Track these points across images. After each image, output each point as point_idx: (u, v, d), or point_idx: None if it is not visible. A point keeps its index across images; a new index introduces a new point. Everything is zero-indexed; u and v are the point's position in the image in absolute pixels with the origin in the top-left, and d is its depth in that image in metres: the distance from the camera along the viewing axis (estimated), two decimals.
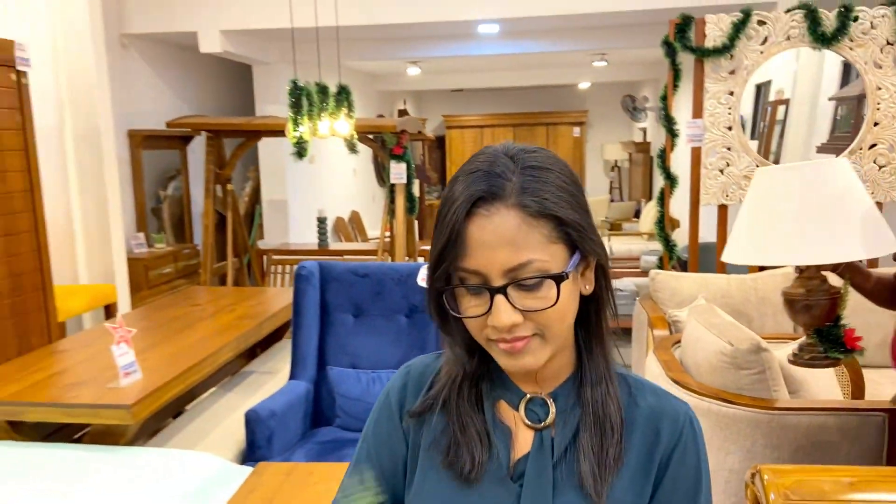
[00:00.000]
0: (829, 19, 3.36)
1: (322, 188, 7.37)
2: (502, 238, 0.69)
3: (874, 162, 3.47)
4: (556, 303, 0.70)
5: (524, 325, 0.72)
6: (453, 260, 0.71)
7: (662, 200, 3.70)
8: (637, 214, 9.56)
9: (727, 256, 1.77)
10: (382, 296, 2.75)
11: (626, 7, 4.54)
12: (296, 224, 6.58)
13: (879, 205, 3.49)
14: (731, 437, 2.07)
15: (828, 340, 1.74)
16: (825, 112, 4.25)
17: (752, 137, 4.85)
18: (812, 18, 3.35)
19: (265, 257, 5.51)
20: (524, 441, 0.79)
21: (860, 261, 1.78)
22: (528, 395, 0.80)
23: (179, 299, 3.74)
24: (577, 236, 0.72)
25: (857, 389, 2.60)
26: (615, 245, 7.17)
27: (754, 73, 3.50)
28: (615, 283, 4.89)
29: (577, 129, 11.46)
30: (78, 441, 2.45)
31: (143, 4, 4.95)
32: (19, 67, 3.31)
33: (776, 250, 1.69)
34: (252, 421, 2.37)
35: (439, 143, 11.80)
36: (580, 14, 4.67)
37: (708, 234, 3.86)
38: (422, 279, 2.70)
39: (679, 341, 2.64)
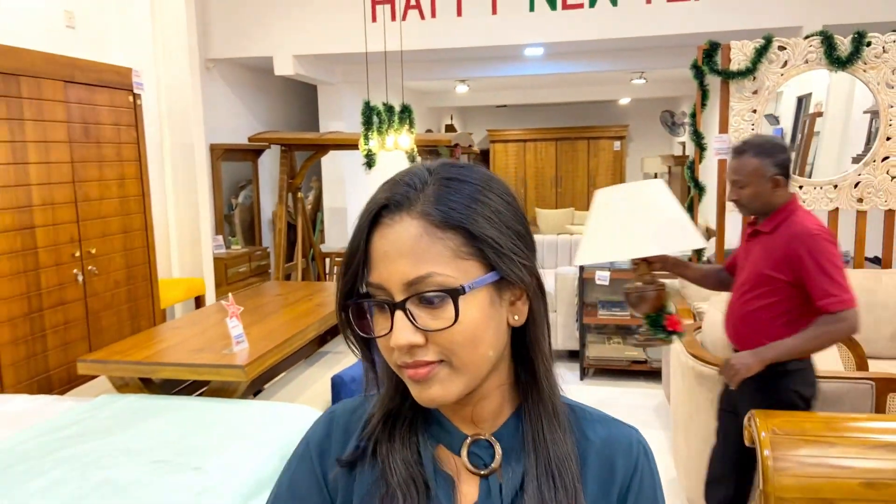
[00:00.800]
0: (843, 44, 3.73)
1: None
2: (402, 249, 0.63)
3: (887, 173, 3.80)
4: (455, 322, 0.62)
5: (427, 348, 0.64)
6: (359, 274, 0.65)
7: (691, 207, 4.08)
8: None
9: (579, 259, 2.14)
10: None
11: (661, 32, 4.95)
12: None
13: (892, 212, 3.82)
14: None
15: (655, 325, 2.15)
16: (860, 124, 4.51)
17: (792, 150, 5.11)
18: (828, 44, 3.72)
19: (327, 259, 6.04)
20: (469, 491, 0.69)
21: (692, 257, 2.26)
22: (470, 438, 0.70)
23: (261, 291, 4.28)
24: (494, 255, 0.64)
25: (860, 368, 2.95)
26: None
27: (779, 89, 3.88)
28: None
29: (617, 144, 11.79)
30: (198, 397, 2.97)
31: (226, 32, 5.56)
32: (135, 91, 3.90)
33: (606, 251, 2.11)
34: (337, 384, 2.85)
35: (483, 156, 12.27)
36: (619, 38, 5.10)
37: (735, 240, 4.22)
38: None
39: (700, 327, 3.03)
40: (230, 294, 2.92)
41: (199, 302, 4.65)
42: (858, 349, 3.03)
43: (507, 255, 0.65)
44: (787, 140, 4.95)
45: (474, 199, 0.65)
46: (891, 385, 2.37)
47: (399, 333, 0.63)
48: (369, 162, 3.92)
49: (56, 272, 3.28)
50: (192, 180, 4.75)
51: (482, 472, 0.69)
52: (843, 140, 4.77)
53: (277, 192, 5.96)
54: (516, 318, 0.68)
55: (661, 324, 2.14)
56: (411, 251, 0.62)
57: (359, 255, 0.64)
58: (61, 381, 3.26)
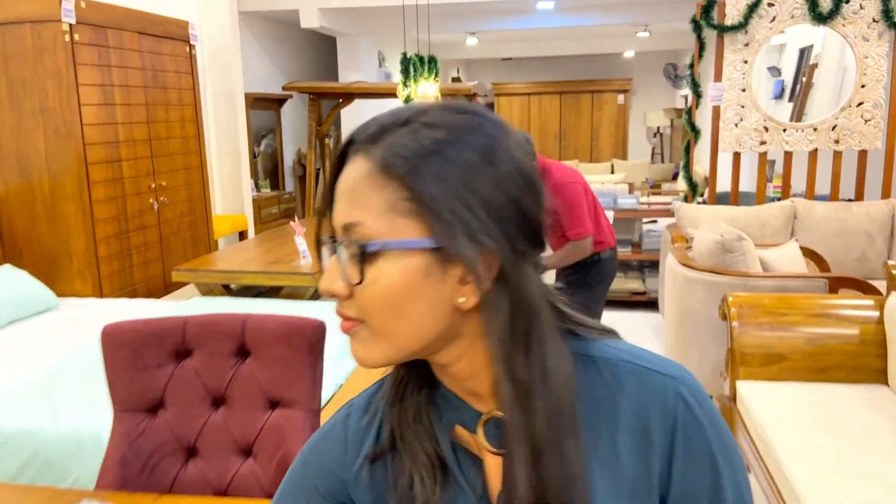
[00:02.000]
0: (825, 1, 4.32)
1: None
2: (344, 189, 0.60)
3: (861, 117, 4.43)
4: (360, 282, 0.58)
5: (348, 303, 0.60)
6: (327, 210, 0.63)
7: (688, 149, 4.72)
8: (675, 176, 10.48)
9: None
10: None
11: None
12: None
13: (864, 152, 4.46)
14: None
15: None
16: (851, 75, 4.97)
17: (790, 100, 5.67)
18: (812, 1, 4.31)
19: None
20: (497, 470, 0.64)
21: None
22: (484, 415, 0.65)
23: (302, 224, 4.92)
24: (433, 218, 0.57)
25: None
26: (653, 199, 8.16)
27: (780, 42, 4.48)
28: (651, 227, 5.88)
29: (621, 97, 12.32)
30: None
31: None
32: (191, 42, 4.48)
33: None
34: None
35: (488, 109, 12.79)
36: None
37: (727, 182, 4.85)
38: None
39: (691, 247, 3.69)
40: (296, 217, 3.57)
41: (241, 236, 5.30)
42: (823, 263, 3.72)
43: (449, 221, 0.57)
44: (787, 91, 5.51)
45: (432, 151, 0.57)
46: (841, 282, 3.04)
47: (323, 278, 0.61)
48: None
49: (137, 200, 3.92)
50: (232, 126, 5.35)
51: (502, 452, 0.62)
52: (835, 90, 5.36)
53: (297, 141, 6.56)
54: (462, 300, 0.59)
55: None
56: (350, 193, 0.59)
57: (326, 191, 0.63)
58: (144, 293, 3.93)
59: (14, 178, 3.52)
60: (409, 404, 0.67)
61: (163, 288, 4.09)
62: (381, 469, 0.69)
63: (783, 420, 2.21)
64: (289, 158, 7.47)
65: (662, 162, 12.22)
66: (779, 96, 5.54)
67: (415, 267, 0.58)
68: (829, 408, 2.28)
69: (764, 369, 2.53)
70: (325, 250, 0.62)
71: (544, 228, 0.62)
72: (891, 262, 2.55)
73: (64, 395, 2.21)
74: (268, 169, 7.36)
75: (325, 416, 2.06)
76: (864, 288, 2.96)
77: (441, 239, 0.57)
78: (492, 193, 0.58)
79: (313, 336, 1.54)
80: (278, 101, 6.97)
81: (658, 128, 12.46)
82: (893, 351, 2.41)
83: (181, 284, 3.96)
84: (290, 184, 7.36)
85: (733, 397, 2.55)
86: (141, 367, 1.54)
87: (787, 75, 5.48)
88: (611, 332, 0.68)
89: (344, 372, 2.40)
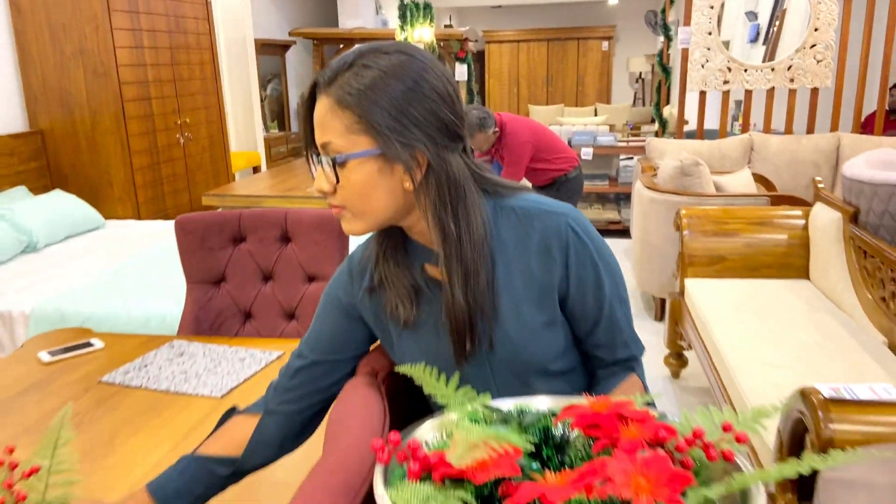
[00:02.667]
0: None
1: None
2: (318, 118, 0.82)
3: (814, 58, 4.72)
4: (337, 182, 0.81)
5: (334, 196, 0.84)
6: (308, 132, 0.86)
7: (659, 89, 5.00)
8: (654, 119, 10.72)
9: None
10: None
11: None
12: None
13: (815, 90, 4.76)
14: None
15: None
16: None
17: (764, 43, 5.91)
18: None
19: None
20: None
21: None
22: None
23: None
24: (375, 134, 0.79)
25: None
26: (632, 140, 8.45)
27: None
28: (627, 163, 6.18)
29: (605, 44, 12.44)
30: None
31: None
32: None
33: None
34: None
35: (479, 56, 12.90)
36: None
37: (694, 118, 5.15)
38: None
39: (657, 174, 4.03)
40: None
41: (255, 171, 5.60)
42: (771, 186, 4.07)
43: (387, 135, 0.79)
44: (762, 34, 5.76)
45: (370, 87, 0.79)
46: (780, 199, 3.40)
47: (316, 181, 0.85)
48: None
49: (165, 135, 4.21)
50: (244, 70, 5.58)
51: (447, 276, 0.87)
52: (800, 34, 5.60)
53: (301, 85, 6.77)
54: (407, 185, 0.83)
55: None
56: (321, 122, 0.81)
57: (304, 123, 0.86)
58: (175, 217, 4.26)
59: (58, 114, 3.80)
60: (389, 255, 0.93)
61: (189, 210, 4.41)
62: (376, 297, 0.95)
63: (720, 307, 2.60)
64: (293, 102, 7.69)
65: (644, 105, 12.43)
66: (754, 39, 5.79)
67: (370, 168, 0.81)
68: (758, 296, 2.66)
69: (708, 268, 2.91)
70: (314, 162, 0.86)
71: (461, 129, 0.86)
72: (817, 178, 2.90)
73: (129, 288, 2.57)
74: (275, 111, 7.59)
75: None
76: (799, 203, 3.31)
77: (383, 148, 0.80)
78: (417, 111, 0.80)
79: (339, 225, 1.89)
80: (283, 48, 7.15)
81: (640, 73, 12.62)
82: (815, 251, 2.79)
83: (208, 209, 4.30)
84: (295, 125, 7.60)
85: (682, 292, 2.93)
86: (206, 248, 1.89)
87: (763, 20, 5.72)
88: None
89: None
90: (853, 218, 2.50)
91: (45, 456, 0.93)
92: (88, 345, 1.66)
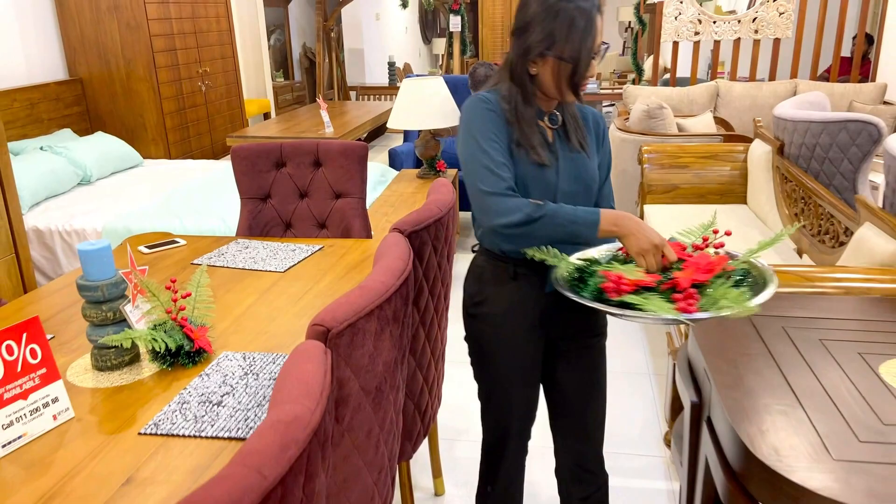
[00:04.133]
0: None
1: (385, 41, 9.04)
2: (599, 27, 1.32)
3: (776, 10, 5.13)
4: None
5: None
6: (592, 38, 1.30)
7: (636, 39, 5.42)
8: None
9: (391, 123, 3.59)
10: (457, 94, 4.63)
11: None
12: (369, 68, 8.35)
13: (777, 40, 5.19)
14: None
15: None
16: None
17: None
18: None
19: (353, 92, 7.34)
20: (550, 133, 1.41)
21: None
22: (546, 112, 1.40)
23: (317, 105, 5.65)
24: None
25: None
26: (617, 87, 8.84)
27: None
28: (609, 109, 6.65)
29: None
30: None
31: None
32: None
33: (416, 121, 3.53)
34: (392, 154, 4.34)
35: (472, 6, 13.10)
36: None
37: (681, 71, 5.58)
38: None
39: (628, 118, 4.50)
40: (320, 96, 4.32)
41: (265, 117, 6.02)
42: (729, 127, 4.55)
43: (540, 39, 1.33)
44: None
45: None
46: (732, 138, 3.89)
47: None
48: (404, 3, 5.18)
49: (189, 83, 4.64)
50: (253, 21, 5.95)
51: (554, 127, 1.41)
52: None
53: (303, 36, 7.12)
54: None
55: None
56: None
57: (593, 30, 1.30)
58: (199, 157, 4.72)
59: (96, 63, 4.23)
60: (522, 108, 1.36)
61: (211, 153, 4.88)
62: (513, 130, 1.36)
63: (670, 227, 3.12)
64: (296, 52, 8.04)
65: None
66: None
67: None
68: (702, 217, 3.18)
69: (663, 196, 3.43)
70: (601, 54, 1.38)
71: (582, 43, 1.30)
72: (757, 118, 3.39)
73: (179, 210, 3.07)
74: (278, 61, 7.95)
75: (370, 210, 2.98)
76: (744, 141, 3.81)
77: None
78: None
79: (361, 152, 2.38)
80: (285, 0, 7.47)
81: (629, 23, 12.86)
82: (751, 180, 3.30)
83: (227, 150, 4.76)
84: (297, 74, 7.97)
85: (642, 216, 3.45)
86: (256, 171, 2.38)
87: None
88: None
89: (375, 196, 3.27)
90: (780, 150, 3.01)
91: (192, 288, 1.46)
92: (174, 242, 2.17)
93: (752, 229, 2.99)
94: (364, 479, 1.16)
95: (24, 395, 1.15)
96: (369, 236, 2.39)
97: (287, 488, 0.69)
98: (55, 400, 1.19)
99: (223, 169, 3.90)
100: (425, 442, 2.36)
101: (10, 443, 1.12)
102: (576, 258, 1.36)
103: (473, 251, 3.87)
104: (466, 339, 1.54)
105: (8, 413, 1.12)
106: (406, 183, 3.63)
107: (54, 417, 1.19)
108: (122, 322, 1.36)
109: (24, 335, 1.16)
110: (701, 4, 5.16)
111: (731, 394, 1.20)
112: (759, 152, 3.18)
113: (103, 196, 3.43)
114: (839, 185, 2.58)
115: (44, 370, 1.18)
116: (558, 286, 1.28)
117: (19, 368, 1.15)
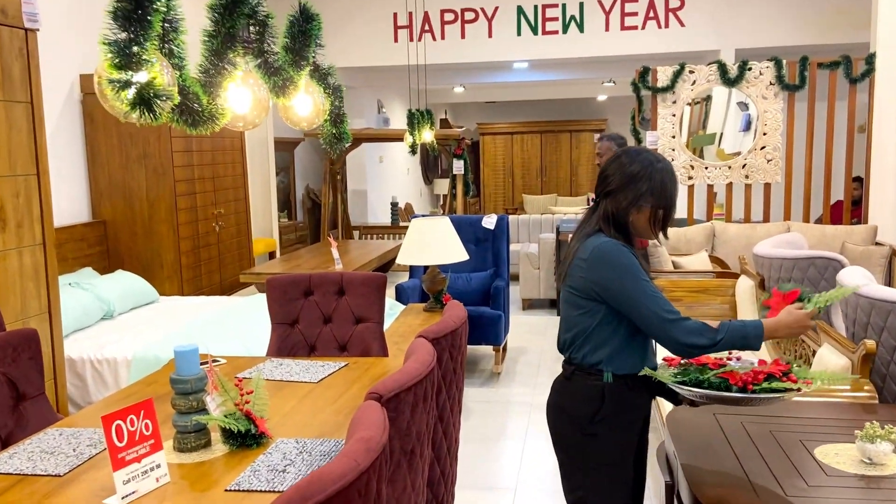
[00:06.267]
0: (732, 69, 5.89)
1: (387, 182, 10.02)
2: None
3: (764, 157, 5.98)
4: None
5: None
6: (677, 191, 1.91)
7: None
8: None
9: (401, 259, 4.31)
10: (461, 232, 5.34)
11: (616, 52, 7.11)
12: (371, 208, 9.23)
13: (768, 185, 5.99)
14: None
15: None
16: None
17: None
18: (722, 70, 5.89)
19: (356, 231, 8.13)
20: None
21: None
22: None
23: (322, 245, 6.35)
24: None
25: None
26: None
27: (689, 101, 6.05)
28: None
29: (597, 136, 13.98)
30: None
31: None
32: None
33: (422, 257, 4.25)
34: (399, 290, 4.96)
35: (474, 147, 14.40)
36: (586, 56, 7.25)
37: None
38: (487, 223, 5.25)
39: None
40: (331, 233, 5.02)
41: (271, 255, 6.72)
42: (724, 265, 5.19)
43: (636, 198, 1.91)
44: (754, 123, 7.09)
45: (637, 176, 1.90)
46: (724, 275, 4.50)
47: None
48: (413, 149, 6.06)
49: (205, 224, 5.35)
50: (264, 165, 6.82)
51: None
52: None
53: (306, 178, 8.02)
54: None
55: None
56: None
57: (678, 186, 1.94)
58: (209, 293, 5.33)
59: (120, 206, 4.95)
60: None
61: (220, 290, 5.50)
62: None
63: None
64: (300, 192, 8.93)
65: None
66: (746, 129, 7.09)
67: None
68: None
69: None
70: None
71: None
72: (742, 256, 4.03)
73: (202, 339, 3.61)
74: (281, 202, 8.82)
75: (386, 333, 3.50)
76: (734, 277, 4.43)
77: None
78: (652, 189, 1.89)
79: (380, 281, 2.98)
80: (293, 144, 8.47)
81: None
82: (740, 313, 3.88)
83: (240, 286, 5.38)
84: (300, 215, 8.81)
85: None
86: (286, 299, 2.96)
87: (753, 110, 7.05)
88: None
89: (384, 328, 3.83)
90: (761, 284, 3.61)
91: (252, 387, 1.99)
92: (216, 360, 2.70)
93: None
94: None
95: (138, 459, 1.64)
96: (386, 356, 2.92)
97: (370, 476, 1.19)
98: (158, 466, 1.68)
99: (236, 303, 4.49)
100: None
101: (125, 497, 1.60)
102: (662, 372, 1.89)
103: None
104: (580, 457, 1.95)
105: (128, 472, 1.61)
106: (413, 315, 4.20)
107: (157, 480, 1.67)
108: (202, 411, 1.87)
109: (142, 412, 1.67)
110: (702, 151, 6.02)
111: (693, 472, 1.70)
112: (745, 286, 3.78)
113: (126, 329, 3.99)
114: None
115: (152, 441, 1.68)
116: (693, 396, 1.78)
117: (137, 437, 1.65)
